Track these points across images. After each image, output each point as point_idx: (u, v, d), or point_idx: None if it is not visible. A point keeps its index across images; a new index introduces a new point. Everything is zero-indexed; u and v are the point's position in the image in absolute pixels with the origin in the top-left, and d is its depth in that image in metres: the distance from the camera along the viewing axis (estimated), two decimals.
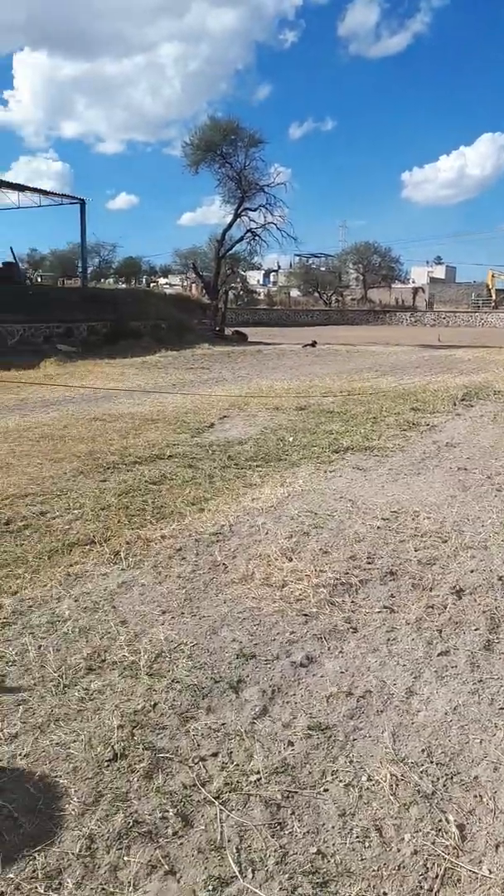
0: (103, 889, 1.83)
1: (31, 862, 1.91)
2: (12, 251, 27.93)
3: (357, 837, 2.02)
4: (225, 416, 9.24)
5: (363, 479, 6.08)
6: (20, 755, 2.36)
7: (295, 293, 68.67)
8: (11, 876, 1.86)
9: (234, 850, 1.97)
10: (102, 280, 65.32)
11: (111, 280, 69.20)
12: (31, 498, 5.33)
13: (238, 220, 33.03)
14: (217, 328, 28.38)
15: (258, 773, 2.28)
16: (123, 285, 59.94)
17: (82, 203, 25.85)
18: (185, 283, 56.20)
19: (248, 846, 1.98)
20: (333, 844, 2.00)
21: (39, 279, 53.02)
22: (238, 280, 54.58)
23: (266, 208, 33.12)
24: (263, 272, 74.50)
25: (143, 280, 72.56)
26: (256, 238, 34.16)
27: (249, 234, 34.01)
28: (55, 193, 26.59)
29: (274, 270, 76.91)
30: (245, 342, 26.37)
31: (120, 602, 3.57)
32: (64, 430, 8.05)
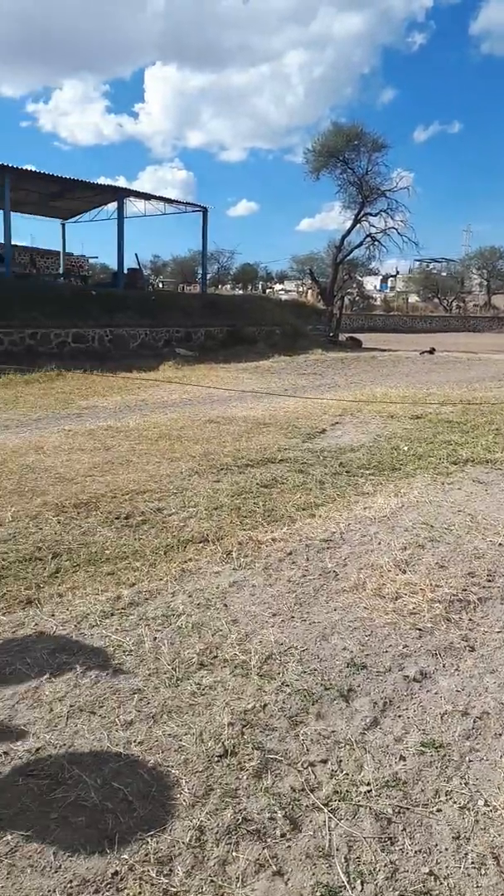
0: (212, 881, 1.87)
1: (143, 845, 1.97)
2: (137, 258, 29.20)
3: (472, 864, 1.94)
4: (337, 423, 9.18)
5: (484, 493, 5.84)
6: (134, 742, 2.44)
7: (413, 299, 67.19)
8: (126, 857, 1.93)
9: (343, 860, 1.94)
10: (220, 286, 66.80)
11: (228, 286, 70.65)
12: (149, 495, 5.53)
13: (358, 225, 32.72)
14: (331, 334, 28.26)
15: (368, 784, 2.24)
16: (240, 291, 61.06)
17: (205, 211, 26.59)
18: (300, 289, 56.42)
19: (358, 858, 1.95)
20: (447, 867, 1.93)
21: (161, 285, 54.97)
22: (354, 285, 54.09)
23: (387, 213, 32.60)
24: (381, 277, 73.46)
25: (259, 286, 73.52)
26: (376, 243, 33.70)
27: (369, 240, 33.59)
28: (179, 202, 27.50)
29: (392, 275, 75.65)
30: (359, 348, 26.09)
31: (231, 601, 3.63)
32: (180, 431, 8.30)
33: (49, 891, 1.82)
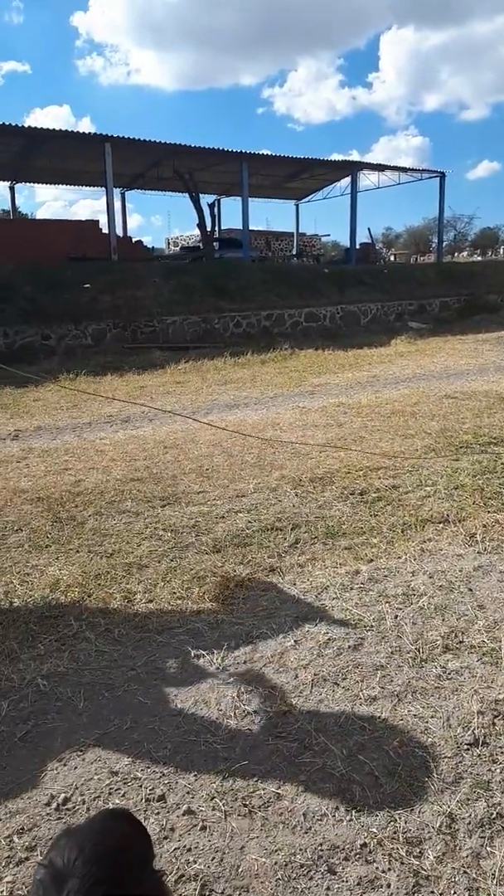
0: (465, 872, 1.79)
1: (392, 822, 1.96)
2: (369, 232, 28.90)
3: None
4: None
5: None
6: (378, 718, 2.43)
7: None
8: (374, 830, 1.93)
9: None
10: (456, 254, 63.58)
11: (465, 253, 66.94)
12: (384, 471, 5.46)
13: None
14: None
15: None
16: (479, 258, 57.55)
17: (442, 176, 25.42)
18: None
19: None
20: None
21: (393, 258, 53.85)
22: None
23: None
24: None
25: (501, 251, 68.62)
26: None
27: None
28: (414, 169, 26.59)
29: None
30: None
31: (477, 586, 3.45)
32: (415, 407, 8.07)
33: (301, 849, 1.88)
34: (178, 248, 33.13)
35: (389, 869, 1.81)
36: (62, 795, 2.08)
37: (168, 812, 2.02)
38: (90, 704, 2.55)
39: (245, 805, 2.04)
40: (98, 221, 23.02)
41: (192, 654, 2.89)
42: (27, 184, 27.73)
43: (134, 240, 24.68)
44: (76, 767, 2.21)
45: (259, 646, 2.96)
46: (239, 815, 2.00)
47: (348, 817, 1.98)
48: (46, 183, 27.74)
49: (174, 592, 3.45)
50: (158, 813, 2.01)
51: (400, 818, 1.97)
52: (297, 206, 31.68)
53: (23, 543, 4.21)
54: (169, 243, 35.92)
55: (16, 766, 2.24)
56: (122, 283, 16.45)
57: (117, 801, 2.05)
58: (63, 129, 18.63)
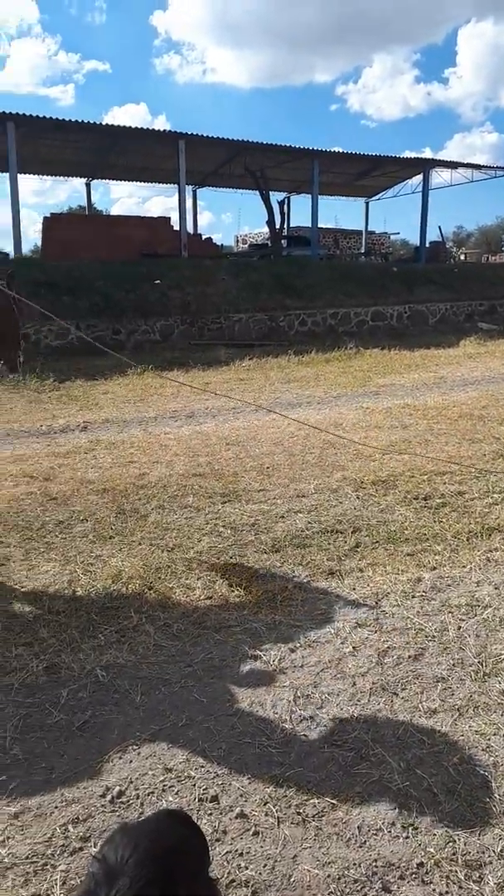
0: None
1: (450, 844, 1.89)
2: (440, 231, 28.29)
3: None
4: None
5: None
6: (438, 732, 2.36)
7: None
8: (431, 850, 1.87)
9: None
10: None
11: None
12: (449, 476, 5.32)
13: None
14: None
15: None
16: None
17: None
18: None
19: None
20: None
21: (464, 257, 52.60)
22: None
23: None
24: None
25: None
26: None
27: None
28: (489, 167, 25.89)
29: None
30: None
31: None
32: (483, 411, 7.84)
33: (354, 863, 1.84)
34: (246, 246, 33.25)
35: (447, 892, 1.75)
36: (117, 788, 2.10)
37: (221, 814, 2.00)
38: (147, 699, 2.57)
39: (298, 813, 2.01)
40: (169, 218, 23.32)
41: (249, 654, 2.87)
42: (103, 180, 28.30)
43: (204, 237, 24.90)
44: (131, 761, 2.23)
45: (317, 650, 2.92)
46: (292, 823, 1.97)
47: (405, 834, 1.93)
48: (121, 180, 28.29)
49: (233, 590, 3.44)
50: (211, 814, 2.00)
51: (459, 839, 1.90)
52: (367, 203, 31.30)
53: (87, 533, 4.29)
54: (238, 240, 36.09)
55: (73, 754, 2.27)
56: (192, 279, 16.61)
57: (171, 799, 2.06)
58: (139, 126, 18.92)
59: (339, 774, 2.18)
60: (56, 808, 2.03)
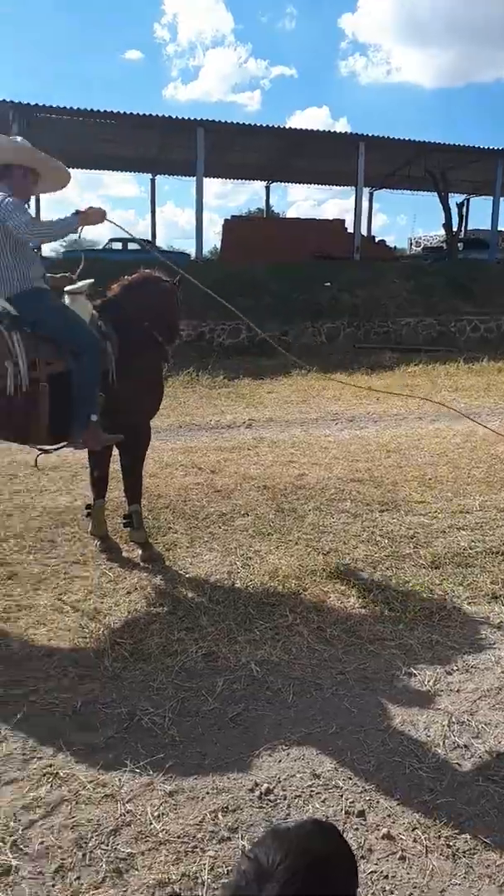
0: None
1: None
2: None
3: None
4: None
5: None
6: None
7: None
8: None
9: None
10: None
11: None
12: None
13: None
14: None
15: None
16: None
17: None
18: None
19: None
20: None
21: None
22: None
23: None
24: None
25: None
26: None
27: None
28: None
29: None
30: None
31: None
32: None
33: None
34: (419, 249, 32.41)
35: None
36: (265, 785, 2.14)
37: (367, 831, 1.98)
38: (298, 700, 2.59)
39: (448, 846, 1.93)
40: (344, 220, 23.27)
41: (403, 671, 2.81)
42: (281, 183, 28.80)
43: (377, 239, 24.59)
44: (280, 761, 2.26)
45: (475, 676, 2.79)
46: (441, 856, 1.89)
47: None
48: (299, 182, 28.62)
49: (388, 603, 3.38)
50: (357, 829, 1.98)
51: None
52: None
53: (248, 528, 4.41)
54: (411, 243, 35.28)
55: (225, 744, 2.34)
56: (362, 281, 16.49)
57: (317, 806, 2.06)
58: (320, 129, 19.07)
59: (494, 812, 2.06)
60: (207, 793, 2.11)
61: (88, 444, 3.56)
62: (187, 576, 3.70)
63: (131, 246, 18.21)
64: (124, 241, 18.76)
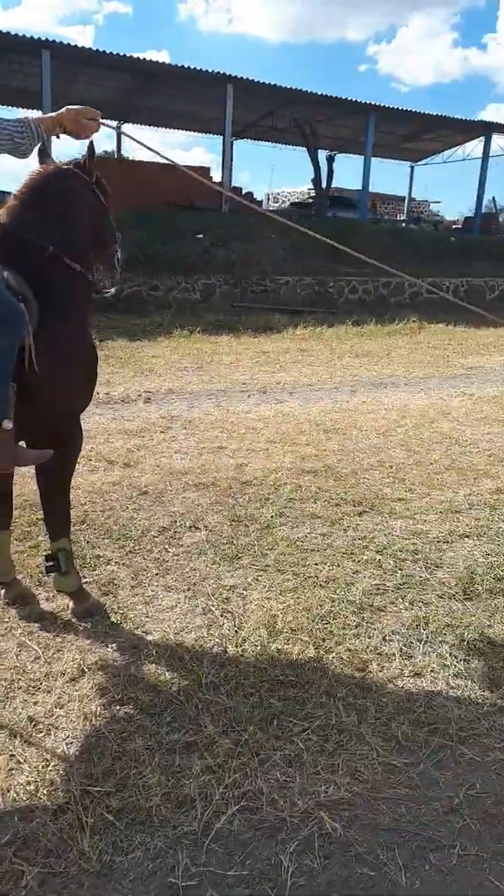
0: None
1: None
2: (494, 202, 26.81)
3: None
4: None
5: None
6: None
7: None
8: None
9: None
10: None
11: None
12: None
13: None
14: None
15: None
16: None
17: None
18: None
19: None
20: None
21: None
22: None
23: None
24: None
25: None
26: None
27: None
28: None
29: None
30: None
31: None
32: None
33: None
34: (278, 205, 31.70)
35: None
36: None
37: None
38: (413, 877, 1.63)
39: None
40: (209, 168, 21.91)
41: None
42: (135, 125, 26.52)
43: (244, 191, 23.47)
44: None
45: None
46: None
47: None
48: (155, 125, 26.54)
49: (445, 663, 2.49)
50: None
51: None
52: (413, 168, 29.68)
53: (205, 549, 3.34)
54: (269, 198, 34.40)
55: None
56: (236, 236, 15.41)
57: None
58: (182, 65, 17.43)
59: None
60: None
61: (0, 464, 2.30)
62: (149, 639, 2.58)
63: None
64: None
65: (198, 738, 2.02)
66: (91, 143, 2.60)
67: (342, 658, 2.48)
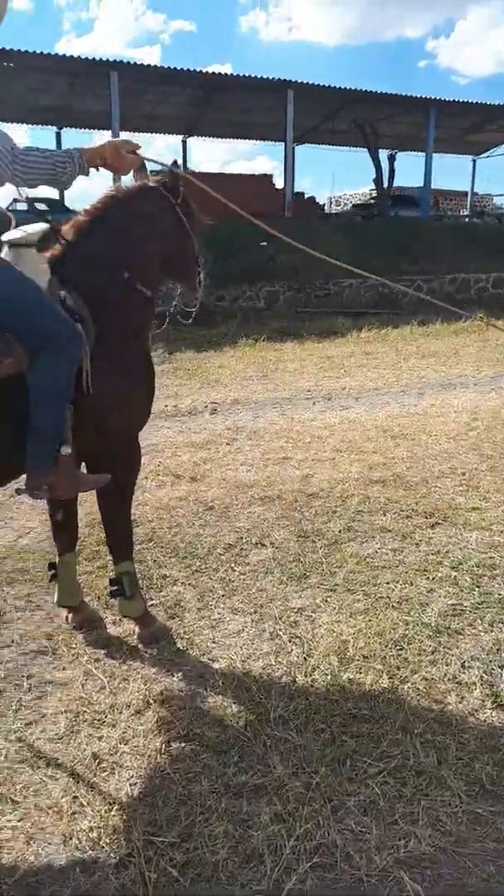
0: None
1: None
2: None
3: None
4: None
5: None
6: None
7: None
8: None
9: None
10: None
11: None
12: None
13: None
14: None
15: None
16: None
17: None
18: None
19: None
20: None
21: None
22: None
23: None
24: None
25: None
26: None
27: None
28: None
29: None
30: None
31: None
32: None
33: None
34: (340, 207, 31.39)
35: None
36: None
37: None
38: None
39: None
40: (271, 176, 21.89)
41: None
42: (201, 137, 26.64)
43: (306, 196, 23.34)
44: None
45: None
46: None
47: None
48: (218, 137, 26.67)
49: None
50: None
51: None
52: (475, 161, 28.83)
53: (271, 568, 3.23)
54: (331, 202, 34.07)
55: None
56: (298, 241, 15.26)
57: None
58: (242, 73, 17.47)
59: None
60: None
61: (59, 490, 2.25)
62: (216, 667, 2.49)
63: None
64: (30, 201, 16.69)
65: (266, 781, 1.90)
66: (175, 160, 2.57)
67: (418, 688, 2.31)
